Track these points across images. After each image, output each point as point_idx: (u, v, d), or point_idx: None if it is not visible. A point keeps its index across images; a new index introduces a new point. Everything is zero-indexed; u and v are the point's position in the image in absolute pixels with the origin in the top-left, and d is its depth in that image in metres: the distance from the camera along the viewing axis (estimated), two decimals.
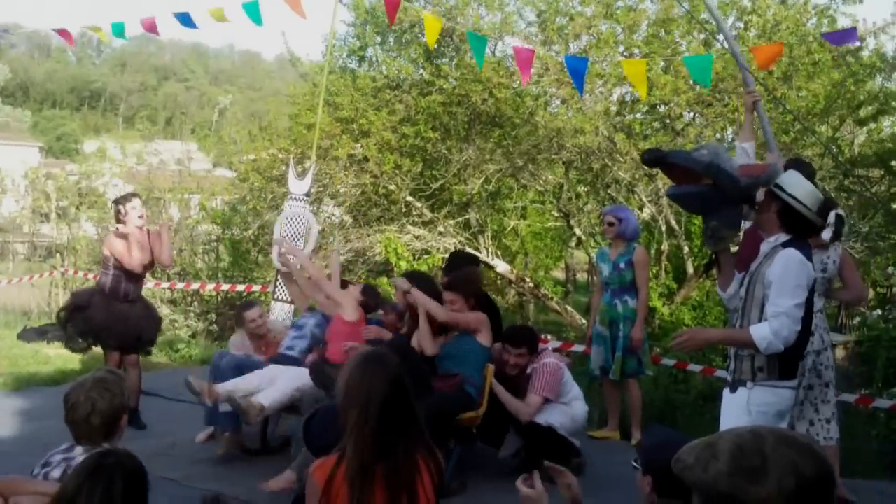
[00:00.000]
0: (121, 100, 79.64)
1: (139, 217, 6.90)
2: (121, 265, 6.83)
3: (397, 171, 12.59)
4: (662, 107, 12.22)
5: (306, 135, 12.30)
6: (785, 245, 3.94)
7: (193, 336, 12.59)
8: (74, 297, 7.27)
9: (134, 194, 7.40)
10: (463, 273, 6.10)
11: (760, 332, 3.84)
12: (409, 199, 13.04)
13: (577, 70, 7.25)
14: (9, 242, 21.62)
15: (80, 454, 3.07)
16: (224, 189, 15.81)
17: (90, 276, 13.96)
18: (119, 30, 8.46)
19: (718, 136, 12.14)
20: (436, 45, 12.99)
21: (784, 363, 3.93)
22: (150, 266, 7.18)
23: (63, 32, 8.75)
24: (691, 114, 12.35)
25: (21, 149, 42.70)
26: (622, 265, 6.73)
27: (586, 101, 12.03)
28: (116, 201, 7.11)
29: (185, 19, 8.24)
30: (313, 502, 2.86)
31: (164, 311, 13.12)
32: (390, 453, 2.84)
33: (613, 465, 5.71)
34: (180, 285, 13.17)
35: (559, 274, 23.05)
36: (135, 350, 6.98)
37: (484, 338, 5.68)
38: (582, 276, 25.30)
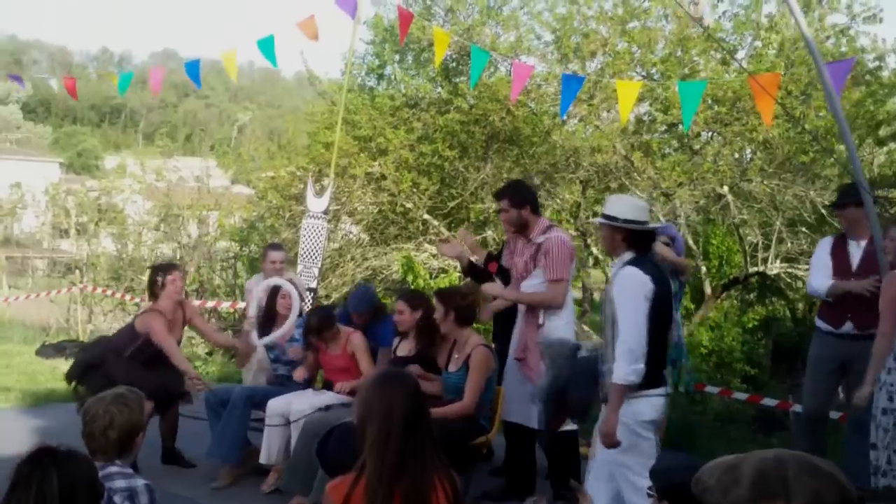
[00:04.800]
0: (141, 116, 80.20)
1: (176, 292, 6.51)
2: (152, 344, 6.37)
3: (415, 190, 12.61)
4: (680, 125, 12.20)
5: (324, 153, 12.34)
6: (627, 264, 4.26)
7: (210, 353, 12.60)
8: (84, 351, 6.78)
9: (175, 266, 6.84)
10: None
11: (620, 377, 4.09)
12: (427, 217, 13.04)
13: (571, 88, 7.22)
14: (28, 258, 21.78)
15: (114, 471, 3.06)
16: (242, 206, 15.86)
17: (109, 292, 14.04)
18: (126, 82, 8.93)
19: (736, 155, 12.10)
20: (453, 64, 13.06)
21: (648, 373, 4.14)
22: (178, 341, 6.69)
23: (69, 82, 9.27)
24: (709, 133, 12.32)
25: (42, 164, 43.06)
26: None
27: (603, 119, 12.03)
28: (156, 270, 6.63)
29: (194, 71, 8.46)
30: None
31: None
32: (409, 470, 2.83)
33: None
34: (197, 302, 13.21)
35: (576, 293, 22.95)
36: (168, 405, 6.55)
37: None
38: (598, 296, 25.17)
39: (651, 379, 4.18)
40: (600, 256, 13.98)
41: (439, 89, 13.23)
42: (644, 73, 12.14)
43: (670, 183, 11.62)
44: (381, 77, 14.48)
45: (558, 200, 13.43)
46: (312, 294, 8.38)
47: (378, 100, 13.36)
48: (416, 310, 6.00)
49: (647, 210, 4.51)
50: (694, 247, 12.52)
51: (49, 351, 11.52)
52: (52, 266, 21.98)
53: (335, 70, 32.15)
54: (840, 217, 6.05)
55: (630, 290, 4.17)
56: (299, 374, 6.32)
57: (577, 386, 4.47)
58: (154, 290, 6.49)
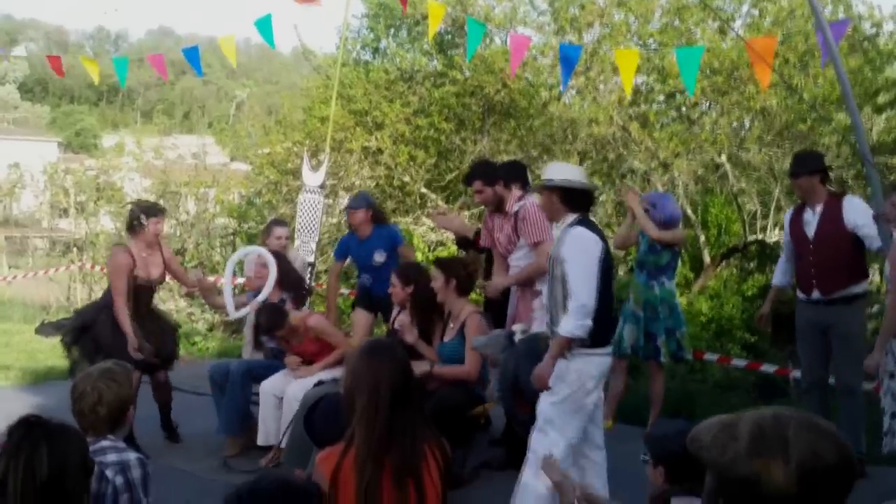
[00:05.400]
0: (138, 94, 79.84)
1: (154, 236, 6.30)
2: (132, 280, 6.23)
3: (412, 163, 12.58)
4: (678, 96, 12.15)
5: (320, 128, 12.31)
6: (573, 225, 4.35)
7: (210, 329, 12.63)
8: (78, 315, 6.71)
9: (161, 210, 6.57)
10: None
11: (567, 330, 4.19)
12: (424, 190, 13.02)
13: (569, 59, 7.14)
14: (28, 237, 21.75)
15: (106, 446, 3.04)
16: (240, 183, 15.83)
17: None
18: (122, 68, 8.81)
19: (734, 124, 12.05)
20: (448, 36, 13.00)
21: (596, 332, 4.24)
22: (160, 281, 6.63)
23: (55, 60, 9.17)
24: (707, 102, 12.27)
25: (40, 144, 42.87)
26: (659, 247, 6.47)
27: (601, 90, 11.98)
28: (140, 211, 6.31)
29: (193, 57, 8.40)
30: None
31: (180, 304, 13.18)
32: (398, 442, 2.82)
33: (614, 459, 5.35)
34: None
35: None
36: (155, 368, 6.44)
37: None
38: None
39: (598, 338, 4.28)
40: None
41: (434, 62, 13.16)
42: (641, 44, 12.07)
43: (668, 153, 11.59)
44: (375, 51, 14.42)
45: None
46: (311, 268, 8.38)
47: (373, 73, 13.30)
48: (408, 284, 5.91)
49: (583, 173, 4.63)
50: (693, 216, 12.49)
51: (48, 329, 11.42)
52: (52, 245, 21.93)
53: (330, 44, 32.01)
54: (793, 185, 6.08)
55: (583, 249, 4.27)
56: (291, 360, 6.24)
57: (526, 370, 4.50)
58: (134, 228, 6.28)
